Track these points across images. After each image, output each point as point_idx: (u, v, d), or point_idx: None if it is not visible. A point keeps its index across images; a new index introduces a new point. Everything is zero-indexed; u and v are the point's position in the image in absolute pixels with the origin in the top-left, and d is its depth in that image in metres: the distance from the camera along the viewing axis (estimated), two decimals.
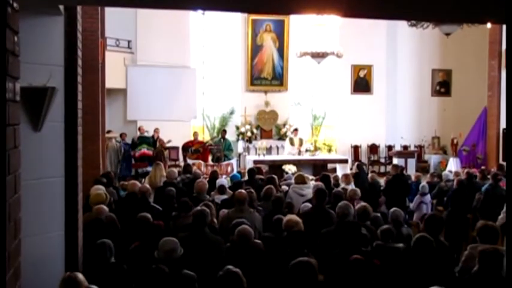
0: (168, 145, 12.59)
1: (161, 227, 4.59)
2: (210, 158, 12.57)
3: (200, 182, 6.73)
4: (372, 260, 3.99)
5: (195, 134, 13.19)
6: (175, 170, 8.35)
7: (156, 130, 12.68)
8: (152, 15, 12.92)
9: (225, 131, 13.42)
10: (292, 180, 7.55)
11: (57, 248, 3.83)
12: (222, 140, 13.09)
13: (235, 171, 11.05)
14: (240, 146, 14.10)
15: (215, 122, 14.54)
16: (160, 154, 12.33)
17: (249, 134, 14.10)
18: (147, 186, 6.52)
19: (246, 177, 8.43)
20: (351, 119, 14.74)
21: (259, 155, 12.37)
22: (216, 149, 12.63)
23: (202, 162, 11.80)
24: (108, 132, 11.72)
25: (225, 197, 6.90)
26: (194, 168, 9.80)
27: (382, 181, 9.37)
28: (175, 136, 12.77)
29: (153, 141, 12.42)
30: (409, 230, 5.52)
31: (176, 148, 13.20)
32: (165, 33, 13.33)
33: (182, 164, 11.12)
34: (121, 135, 12.60)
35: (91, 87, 7.92)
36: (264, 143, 12.93)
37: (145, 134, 12.53)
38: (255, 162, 11.45)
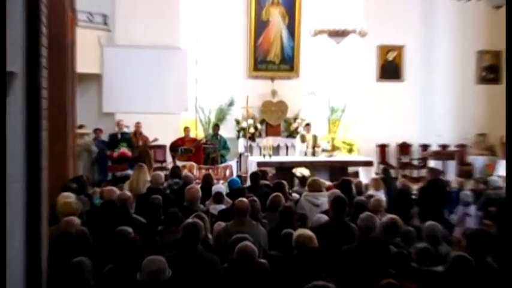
0: (153, 143, 12.61)
1: (137, 242, 4.58)
2: (203, 159, 12.60)
3: (192, 189, 6.77)
4: (405, 284, 3.97)
5: (186, 129, 13.22)
6: (162, 173, 8.36)
7: (137, 125, 12.70)
8: None
9: (217, 126, 13.43)
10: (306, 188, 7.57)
11: (16, 268, 3.82)
12: (215, 137, 13.12)
13: (234, 176, 11.04)
14: (241, 144, 14.12)
15: (211, 115, 14.55)
16: (143, 154, 12.35)
17: (251, 130, 14.10)
18: (128, 193, 6.55)
19: (248, 183, 8.48)
20: (376, 112, 14.70)
21: (264, 155, 12.37)
22: (212, 148, 12.64)
23: (194, 164, 11.81)
24: (80, 127, 11.75)
25: (222, 206, 6.93)
26: (184, 171, 9.79)
27: (415, 188, 9.35)
28: (162, 132, 12.79)
29: (131, 137, 12.39)
30: (449, 249, 5.50)
31: (163, 147, 13.22)
32: (150, 6, 13.33)
33: (170, 166, 11.12)
34: (95, 131, 12.62)
35: (58, 71, 7.93)
36: (270, 141, 12.91)
37: (125, 130, 12.52)
38: (259, 164, 11.52)
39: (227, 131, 13.90)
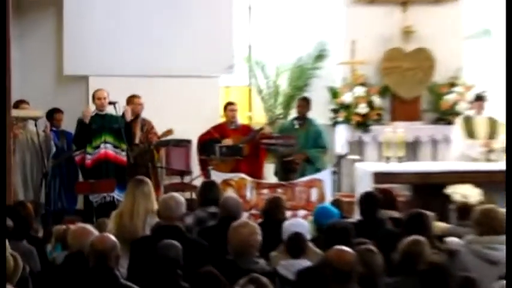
0: (165, 138, 12.68)
1: None
2: (265, 166, 12.70)
3: (242, 228, 6.78)
4: None
5: (230, 108, 13.37)
6: (181, 197, 8.29)
7: (133, 100, 12.82)
8: None
9: (306, 101, 13.54)
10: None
11: None
12: (297, 123, 13.18)
13: (327, 201, 10.96)
14: (342, 137, 14.19)
15: (279, 80, 14.66)
16: (146, 159, 12.44)
17: (362, 108, 14.08)
18: (112, 238, 6.47)
19: (357, 216, 8.47)
20: None
21: (387, 159, 12.27)
22: (284, 144, 12.62)
23: (247, 179, 11.78)
24: (18, 105, 11.85)
25: (304, 263, 6.94)
26: (228, 191, 9.73)
27: None
28: (181, 117, 13.12)
29: (125, 126, 12.45)
30: None
31: (185, 144, 13.30)
32: None
33: (198, 182, 11.12)
34: (50, 112, 12.82)
35: None
36: (399, 132, 12.77)
37: (109, 112, 12.57)
38: (378, 177, 11.54)
39: (316, 112, 13.93)
